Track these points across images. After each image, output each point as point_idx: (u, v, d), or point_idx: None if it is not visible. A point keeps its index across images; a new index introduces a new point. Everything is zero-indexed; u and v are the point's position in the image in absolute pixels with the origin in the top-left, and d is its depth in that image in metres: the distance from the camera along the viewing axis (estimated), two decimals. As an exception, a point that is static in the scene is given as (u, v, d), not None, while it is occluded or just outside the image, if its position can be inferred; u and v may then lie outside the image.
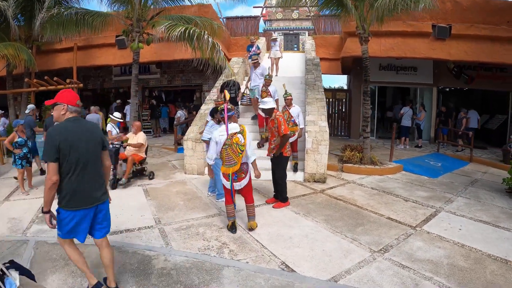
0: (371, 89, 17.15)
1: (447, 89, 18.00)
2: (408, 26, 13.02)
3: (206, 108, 11.20)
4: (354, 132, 16.47)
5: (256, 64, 11.06)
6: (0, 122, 13.74)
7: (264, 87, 10.32)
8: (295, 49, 26.47)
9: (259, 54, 13.04)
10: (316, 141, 8.94)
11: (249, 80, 11.69)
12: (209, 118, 9.33)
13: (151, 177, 9.16)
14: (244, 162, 5.49)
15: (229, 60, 14.86)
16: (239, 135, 5.40)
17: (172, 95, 21.06)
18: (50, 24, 11.35)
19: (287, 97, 8.83)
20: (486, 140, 15.51)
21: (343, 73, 18.93)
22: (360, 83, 16.51)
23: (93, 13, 10.97)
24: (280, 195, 7.09)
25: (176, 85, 18.12)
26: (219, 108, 5.81)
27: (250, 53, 12.66)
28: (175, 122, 15.07)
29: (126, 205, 7.05)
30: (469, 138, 12.92)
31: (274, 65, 14.61)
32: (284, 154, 6.89)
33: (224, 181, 5.59)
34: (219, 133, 5.49)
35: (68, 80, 12.28)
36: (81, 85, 13.06)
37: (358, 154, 10.50)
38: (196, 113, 15.50)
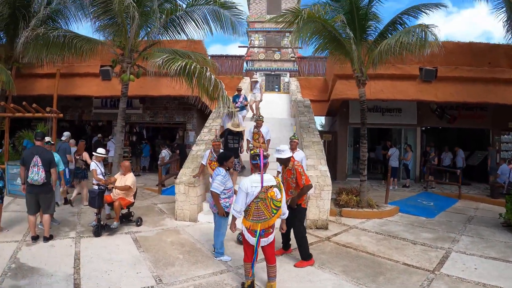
0: (355, 130, 16.97)
1: (429, 128, 18.22)
2: (396, 69, 12.99)
3: (198, 149, 10.30)
4: (341, 174, 16.02)
5: (230, 115, 10.21)
6: None
7: (255, 129, 9.68)
8: (276, 89, 26.32)
9: (246, 105, 12.44)
10: (319, 186, 8.30)
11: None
12: (204, 161, 8.50)
13: (138, 223, 7.98)
14: None
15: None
16: (276, 189, 4.53)
17: (150, 131, 20.09)
18: (33, 44, 10.28)
19: (294, 140, 8.26)
20: (468, 176, 15.60)
21: (328, 115, 18.72)
22: (346, 125, 16.39)
23: (82, 37, 10.01)
24: (301, 253, 6.06)
25: (158, 122, 17.11)
26: (252, 152, 4.89)
27: (237, 105, 11.61)
28: (159, 162, 14.10)
29: (116, 259, 5.88)
30: (457, 176, 13.08)
31: (254, 108, 13.98)
32: (302, 206, 6.01)
33: (248, 236, 4.62)
34: (251, 184, 4.55)
35: (48, 109, 11.20)
36: (61, 115, 12.06)
37: (355, 198, 10.10)
38: (180, 153, 14.91)
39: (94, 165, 8.28)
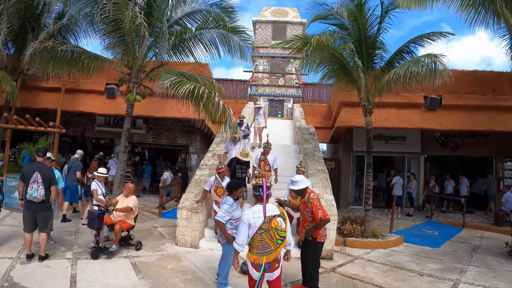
0: (358, 157, 16.83)
1: (432, 156, 17.99)
2: (401, 98, 12.90)
3: (201, 174, 10.03)
4: (343, 201, 15.73)
5: (235, 140, 10.15)
6: None
7: (262, 156, 9.49)
8: (279, 115, 26.26)
9: (248, 134, 12.26)
10: (325, 216, 8.02)
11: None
12: (207, 187, 8.26)
13: (138, 247, 7.63)
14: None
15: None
16: (280, 219, 4.26)
17: (152, 152, 19.87)
18: (40, 56, 10.18)
19: (300, 168, 8.11)
20: (470, 204, 15.35)
21: (331, 142, 18.58)
22: (350, 153, 16.26)
23: (90, 54, 9.89)
24: (309, 284, 5.74)
25: (161, 143, 16.89)
26: (254, 183, 4.63)
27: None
28: (160, 184, 13.83)
29: (115, 284, 5.58)
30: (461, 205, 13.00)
31: (257, 135, 13.63)
32: (318, 240, 5.64)
33: (252, 271, 4.28)
34: (253, 215, 4.26)
35: (51, 123, 11.09)
36: (64, 130, 11.91)
37: (359, 227, 9.83)
38: (182, 176, 14.70)
39: (95, 185, 8.04)
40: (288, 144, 15.21)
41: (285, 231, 4.28)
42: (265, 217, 4.22)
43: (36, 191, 6.32)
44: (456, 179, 15.49)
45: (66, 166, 11.14)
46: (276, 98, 27.00)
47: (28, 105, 13.30)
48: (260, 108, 14.25)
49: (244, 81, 20.27)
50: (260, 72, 26.79)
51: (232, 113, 8.93)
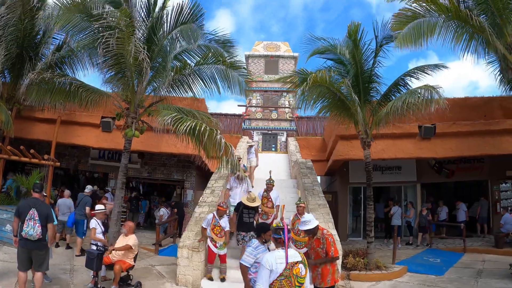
0: (354, 189, 16.73)
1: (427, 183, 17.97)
2: (396, 128, 12.96)
3: (201, 211, 9.75)
4: (342, 234, 15.38)
5: (240, 180, 9.86)
6: None
7: (265, 193, 9.30)
8: (273, 149, 26.22)
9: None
10: (329, 252, 7.80)
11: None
12: (205, 224, 8.03)
13: (137, 288, 7.24)
14: None
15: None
16: (301, 265, 4.07)
17: (145, 187, 19.49)
18: (38, 87, 10.04)
19: (300, 205, 7.97)
20: (468, 228, 15.02)
21: (326, 175, 18.50)
22: (346, 185, 16.18)
23: (88, 88, 9.78)
24: None
25: (156, 178, 16.56)
26: (272, 227, 4.48)
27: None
28: (157, 221, 13.46)
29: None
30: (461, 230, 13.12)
31: (250, 174, 13.28)
32: (333, 282, 5.42)
33: None
34: (275, 260, 4.00)
35: (46, 156, 10.82)
36: (58, 164, 11.59)
37: (362, 260, 9.69)
38: (177, 211, 14.33)
39: (95, 223, 7.70)
40: (285, 178, 15.10)
41: (304, 278, 4.10)
42: (287, 263, 4.01)
43: (32, 228, 6.03)
44: (451, 205, 15.51)
45: (57, 201, 11.09)
46: (270, 132, 27.04)
47: (21, 135, 13.05)
48: (251, 146, 14.13)
49: (238, 115, 20.42)
50: (254, 106, 26.94)
51: (234, 151, 8.77)
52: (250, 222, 8.50)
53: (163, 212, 13.76)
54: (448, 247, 13.20)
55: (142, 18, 9.93)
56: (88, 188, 10.82)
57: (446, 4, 9.32)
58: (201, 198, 10.65)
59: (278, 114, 27.27)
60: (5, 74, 12.19)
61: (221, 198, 10.35)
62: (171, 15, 9.70)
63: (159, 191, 18.82)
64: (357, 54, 10.30)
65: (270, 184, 9.31)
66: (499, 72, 10.89)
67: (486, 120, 13.06)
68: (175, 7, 9.61)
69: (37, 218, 6.10)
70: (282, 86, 25.14)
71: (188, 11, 9.79)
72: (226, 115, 20.11)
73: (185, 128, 8.01)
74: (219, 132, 8.29)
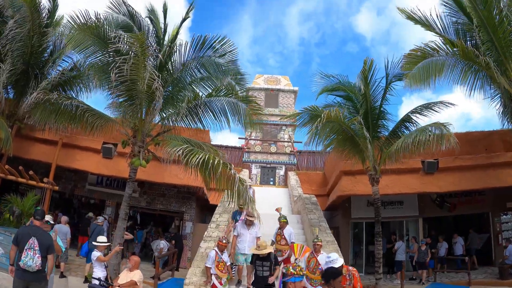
0: (355, 224, 16.35)
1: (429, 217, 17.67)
2: (401, 164, 12.81)
3: (206, 246, 9.33)
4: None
5: (249, 223, 8.81)
6: None
7: (279, 230, 8.89)
8: (271, 183, 25.84)
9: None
10: (341, 289, 7.39)
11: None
12: (209, 263, 7.53)
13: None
14: None
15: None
16: None
17: (142, 217, 18.83)
18: (43, 107, 9.73)
19: (317, 242, 7.66)
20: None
21: (327, 210, 18.14)
22: (348, 220, 15.88)
23: (95, 112, 9.52)
24: None
25: (155, 209, 16.00)
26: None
27: (237, 223, 9.65)
28: (156, 254, 12.87)
29: None
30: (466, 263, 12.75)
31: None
32: None
33: None
34: None
35: (45, 179, 10.44)
36: (57, 187, 11.17)
37: None
38: (176, 244, 13.59)
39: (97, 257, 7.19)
40: (286, 214, 14.67)
41: None
42: None
43: (31, 259, 5.63)
44: (450, 239, 15.14)
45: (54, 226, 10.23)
46: (268, 165, 26.73)
47: (19, 154, 12.59)
48: (250, 187, 13.49)
49: (238, 148, 20.23)
50: (254, 139, 26.78)
51: (248, 187, 8.44)
52: (264, 276, 7.66)
53: (163, 245, 13.16)
54: (453, 280, 12.90)
55: (152, 45, 9.77)
56: (101, 219, 10.65)
57: (454, 40, 9.69)
58: (206, 232, 10.22)
59: (277, 148, 27.09)
60: (8, 89, 11.87)
61: (222, 233, 9.94)
62: (191, 45, 9.51)
63: (156, 222, 18.20)
64: (366, 91, 10.35)
65: (282, 222, 8.90)
66: (500, 106, 11.06)
67: (487, 153, 13.10)
68: (196, 38, 9.41)
69: (37, 248, 5.71)
70: (281, 119, 25.18)
71: (217, 45, 9.52)
72: (226, 147, 19.94)
73: (197, 160, 7.73)
74: (232, 166, 7.98)
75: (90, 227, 10.70)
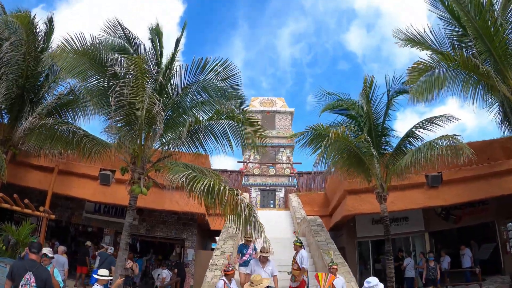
0: (359, 244, 15.97)
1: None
2: (404, 179, 12.72)
3: (212, 275, 9.03)
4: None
5: (263, 260, 7.94)
6: None
7: (295, 253, 8.47)
8: (271, 205, 25.47)
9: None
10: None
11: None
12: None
13: None
14: None
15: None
16: None
17: (139, 244, 18.24)
18: (38, 133, 9.37)
19: (333, 266, 7.38)
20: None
21: (331, 230, 17.78)
22: (354, 239, 15.68)
23: (93, 138, 9.16)
24: None
25: (155, 236, 15.48)
26: None
27: (244, 258, 9.00)
28: (159, 283, 12.40)
29: None
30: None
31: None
32: None
33: None
34: None
35: (41, 208, 10.11)
36: (53, 216, 10.78)
37: None
38: (178, 272, 13.13)
39: None
40: (289, 236, 14.29)
41: None
42: None
43: (28, 296, 5.20)
44: (455, 251, 14.87)
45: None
46: (268, 188, 26.42)
47: (14, 181, 12.09)
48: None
49: (238, 172, 19.97)
50: (253, 162, 26.54)
51: (256, 213, 8.00)
52: None
53: (165, 274, 12.66)
54: None
55: (151, 68, 9.42)
56: (111, 249, 10.51)
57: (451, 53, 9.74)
58: (211, 260, 9.83)
59: (275, 170, 26.85)
60: (3, 114, 11.59)
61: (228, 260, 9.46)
62: (191, 68, 9.24)
63: (156, 249, 17.63)
64: (369, 108, 10.29)
65: (295, 245, 8.46)
66: (498, 115, 11.21)
67: (489, 162, 13.06)
68: (196, 61, 9.14)
69: (33, 284, 5.37)
70: (279, 141, 25.01)
71: (219, 68, 9.27)
72: (225, 171, 19.64)
73: (202, 187, 7.39)
74: (240, 192, 7.66)
75: (100, 257, 10.34)
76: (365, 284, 5.28)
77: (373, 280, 5.29)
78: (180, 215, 14.68)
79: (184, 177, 7.66)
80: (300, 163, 22.19)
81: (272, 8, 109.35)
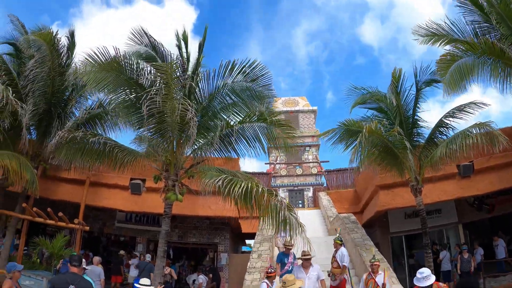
0: (392, 239, 15.73)
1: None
2: (439, 171, 12.42)
3: (252, 278, 9.02)
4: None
5: (306, 264, 7.56)
6: None
7: (334, 251, 8.46)
8: (300, 205, 25.36)
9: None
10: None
11: None
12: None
13: None
14: None
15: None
16: None
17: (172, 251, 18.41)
18: (67, 146, 9.42)
19: (375, 262, 7.24)
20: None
21: (363, 227, 17.52)
22: (387, 235, 15.53)
23: (124, 148, 9.22)
24: None
25: (187, 242, 15.68)
26: None
27: (286, 267, 8.45)
28: None
29: None
30: None
31: None
32: None
33: None
34: None
35: (76, 221, 10.35)
36: (87, 228, 11.03)
37: None
38: (213, 277, 13.24)
39: None
40: (322, 236, 14.23)
41: None
42: None
43: (72, 310, 5.19)
44: (488, 242, 14.46)
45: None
46: (296, 188, 26.40)
47: (46, 195, 12.42)
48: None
49: (266, 174, 19.90)
50: (279, 163, 26.51)
51: (297, 214, 7.90)
52: None
53: (202, 280, 12.72)
54: (503, 284, 12.35)
55: (180, 74, 9.32)
56: (148, 257, 10.82)
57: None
58: (249, 263, 9.81)
59: (302, 170, 26.76)
60: (31, 130, 11.75)
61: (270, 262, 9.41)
62: (219, 71, 9.19)
63: (189, 255, 17.78)
64: (399, 101, 10.13)
65: (335, 242, 8.46)
66: None
67: None
68: (224, 64, 9.10)
69: (76, 298, 5.28)
70: (303, 141, 24.87)
71: (247, 69, 9.16)
72: (253, 173, 19.50)
73: (240, 190, 7.31)
74: (279, 193, 7.61)
75: (139, 266, 10.83)
76: (418, 275, 5.15)
77: (426, 270, 5.15)
78: (212, 219, 14.79)
79: (221, 181, 7.63)
80: (328, 161, 22.09)
81: (284, 9, 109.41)
